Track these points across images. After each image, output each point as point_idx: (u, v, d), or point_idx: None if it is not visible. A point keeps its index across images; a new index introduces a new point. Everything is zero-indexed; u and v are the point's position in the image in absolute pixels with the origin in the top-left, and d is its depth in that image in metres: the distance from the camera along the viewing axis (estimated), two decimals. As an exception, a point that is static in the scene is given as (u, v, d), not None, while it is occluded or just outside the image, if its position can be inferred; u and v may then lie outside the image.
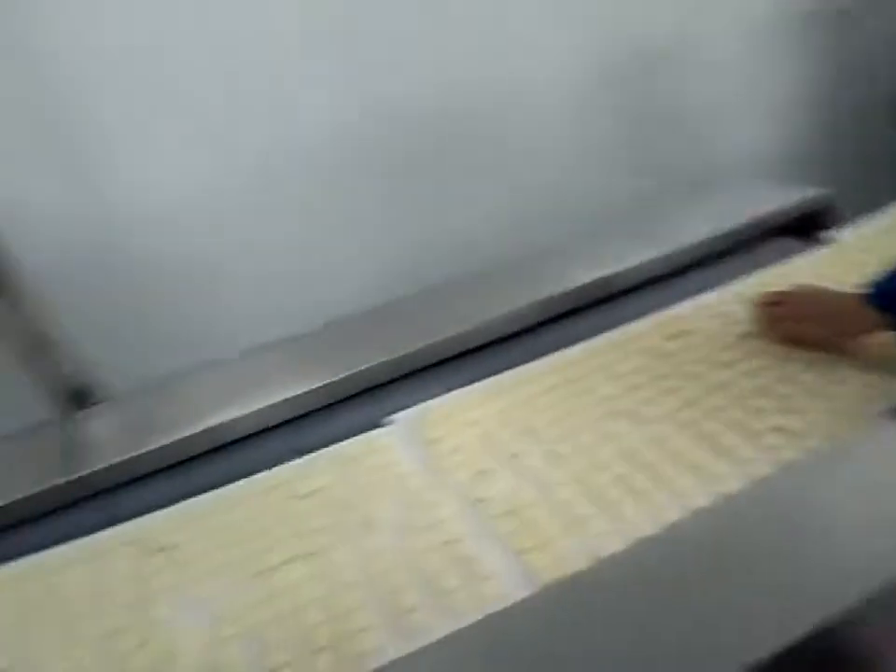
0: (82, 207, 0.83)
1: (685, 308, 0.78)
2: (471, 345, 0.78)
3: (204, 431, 0.69)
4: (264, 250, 0.95)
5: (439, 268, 0.93)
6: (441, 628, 0.49)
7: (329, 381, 0.73)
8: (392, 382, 0.75)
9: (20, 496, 0.65)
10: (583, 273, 0.83)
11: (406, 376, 0.76)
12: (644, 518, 0.54)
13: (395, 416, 0.69)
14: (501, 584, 0.51)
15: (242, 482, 0.65)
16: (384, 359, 0.75)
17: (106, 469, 0.67)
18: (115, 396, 0.78)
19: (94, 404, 0.77)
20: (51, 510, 0.66)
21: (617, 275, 0.83)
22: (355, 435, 0.68)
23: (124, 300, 0.89)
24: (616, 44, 1.04)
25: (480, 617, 0.48)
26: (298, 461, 0.66)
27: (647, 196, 1.13)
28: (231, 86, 0.84)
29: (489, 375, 0.73)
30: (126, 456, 0.67)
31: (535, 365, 0.73)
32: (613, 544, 0.52)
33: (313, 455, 0.66)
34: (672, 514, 0.54)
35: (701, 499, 0.55)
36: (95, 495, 0.67)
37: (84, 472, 0.66)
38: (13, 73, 0.75)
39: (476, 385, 0.72)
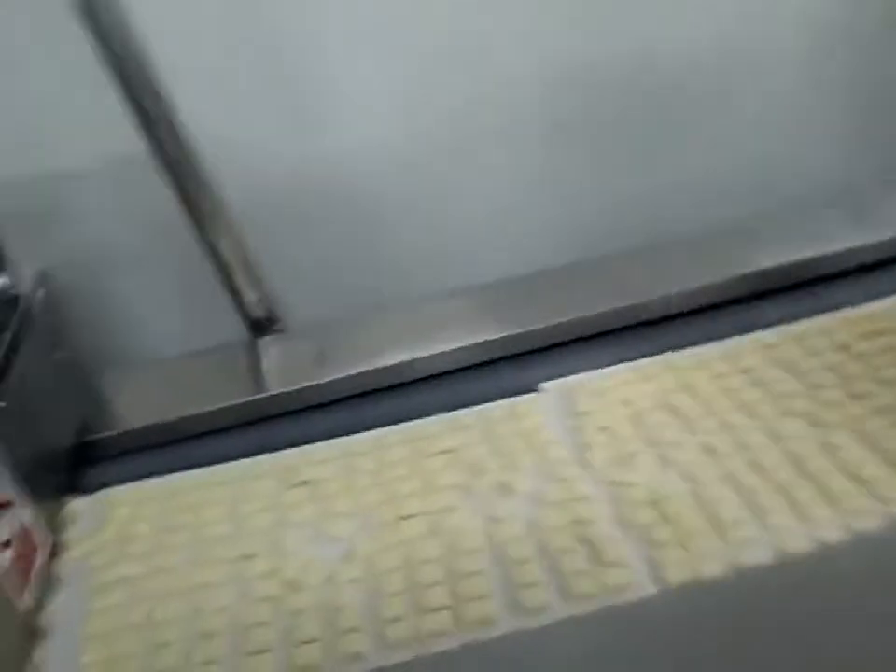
0: (293, 143, 0.86)
1: (886, 305, 0.69)
2: (642, 319, 0.74)
3: (359, 374, 0.71)
4: (466, 197, 0.95)
5: (634, 233, 0.88)
6: (557, 609, 0.47)
7: (487, 339, 0.72)
8: (552, 347, 0.73)
9: (178, 415, 0.69)
10: (776, 255, 0.76)
11: (568, 343, 0.73)
12: (799, 532, 0.49)
13: (547, 384, 0.67)
14: (628, 575, 0.48)
15: (389, 427, 0.65)
16: (547, 323, 0.73)
17: (267, 399, 0.70)
18: (293, 328, 0.82)
19: (276, 333, 0.81)
20: (208, 431, 0.70)
21: (814, 261, 0.75)
22: (506, 397, 0.67)
23: (321, 238, 0.93)
24: (861, 9, 0.94)
25: (600, 606, 0.47)
26: (444, 416, 0.65)
27: (871, 177, 1.01)
28: (444, 37, 0.84)
29: (654, 354, 0.68)
30: (286, 389, 0.71)
31: (704, 349, 0.67)
32: (758, 555, 0.48)
33: (461, 411, 0.66)
34: (832, 534, 0.48)
35: (870, 522, 0.49)
36: (253, 422, 0.70)
37: (246, 399, 0.70)
38: (235, 12, 0.78)
39: (637, 362, 0.68)
